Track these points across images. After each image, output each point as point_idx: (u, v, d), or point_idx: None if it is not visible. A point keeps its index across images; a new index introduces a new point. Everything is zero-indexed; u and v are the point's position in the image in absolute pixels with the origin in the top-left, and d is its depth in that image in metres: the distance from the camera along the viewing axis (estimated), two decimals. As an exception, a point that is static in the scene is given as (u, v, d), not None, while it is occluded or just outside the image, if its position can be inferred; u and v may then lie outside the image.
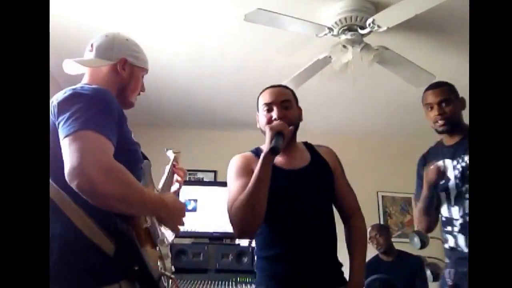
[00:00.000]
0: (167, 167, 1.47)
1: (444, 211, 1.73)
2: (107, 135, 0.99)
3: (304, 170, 1.50)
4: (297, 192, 1.46)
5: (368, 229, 3.35)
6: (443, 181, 1.71)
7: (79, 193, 0.92)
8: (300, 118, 1.56)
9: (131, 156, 1.15)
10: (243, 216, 1.33)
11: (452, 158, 1.72)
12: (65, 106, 1.01)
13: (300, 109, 1.58)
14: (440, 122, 1.73)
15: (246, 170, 1.44)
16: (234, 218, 1.36)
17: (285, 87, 1.60)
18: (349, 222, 1.55)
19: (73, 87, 1.09)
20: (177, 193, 1.48)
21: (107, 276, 0.98)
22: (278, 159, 1.46)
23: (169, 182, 1.45)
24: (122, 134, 1.11)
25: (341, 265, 1.50)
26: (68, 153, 0.93)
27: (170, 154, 1.57)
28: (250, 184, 1.33)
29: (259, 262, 1.53)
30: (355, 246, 1.51)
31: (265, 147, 1.36)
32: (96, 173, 0.90)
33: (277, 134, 1.35)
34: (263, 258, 1.49)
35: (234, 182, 1.45)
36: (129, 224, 1.02)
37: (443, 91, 1.76)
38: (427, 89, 1.82)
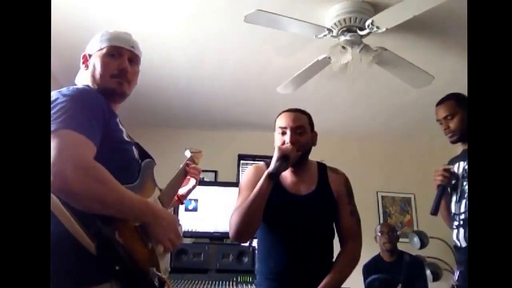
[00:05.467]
0: (181, 165, 1.47)
1: (452, 207, 1.81)
2: (87, 134, 0.98)
3: (308, 197, 1.63)
4: (298, 217, 1.59)
5: (379, 226, 3.45)
6: (454, 180, 1.81)
7: (54, 191, 0.91)
8: (313, 143, 1.69)
9: (120, 155, 1.13)
10: (238, 224, 1.50)
11: (464, 160, 1.81)
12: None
13: (315, 134, 1.70)
14: (449, 135, 1.85)
15: (253, 184, 1.57)
16: (230, 224, 1.54)
17: (303, 112, 1.69)
18: (343, 246, 1.63)
19: (60, 89, 1.09)
20: (190, 191, 1.49)
21: (96, 275, 0.97)
22: (287, 180, 1.66)
23: (176, 182, 1.41)
24: (109, 133, 1.10)
25: None
26: None
27: (187, 154, 1.58)
28: (249, 198, 1.51)
29: (258, 266, 1.68)
30: (337, 263, 1.58)
31: (270, 166, 1.54)
32: (70, 171, 0.90)
33: (282, 157, 1.52)
34: (262, 265, 1.66)
35: (241, 192, 1.64)
36: (112, 223, 0.99)
37: (446, 106, 1.85)
38: (436, 104, 1.90)
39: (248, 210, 1.49)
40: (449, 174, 1.78)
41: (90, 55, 1.26)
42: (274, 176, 1.52)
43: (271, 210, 1.55)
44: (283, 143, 1.60)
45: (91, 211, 0.96)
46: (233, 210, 1.57)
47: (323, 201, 1.63)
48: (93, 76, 1.22)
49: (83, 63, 1.27)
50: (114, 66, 1.22)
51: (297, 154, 1.56)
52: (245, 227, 1.50)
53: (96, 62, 1.23)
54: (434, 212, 1.78)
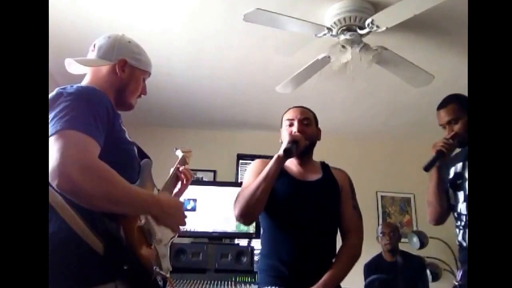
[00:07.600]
0: (172, 168, 1.47)
1: (458, 207, 1.78)
2: (91, 134, 0.99)
3: (313, 183, 1.67)
4: (304, 201, 1.61)
5: (380, 226, 3.44)
6: (460, 181, 1.76)
7: (61, 192, 0.92)
8: (317, 137, 1.75)
9: (123, 155, 1.14)
10: (243, 204, 1.53)
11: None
12: (51, 105, 1.02)
13: (319, 130, 1.77)
14: (455, 140, 1.76)
15: (260, 172, 1.59)
16: (237, 203, 1.57)
17: (308, 108, 1.78)
18: (344, 240, 1.65)
19: (63, 86, 1.09)
20: (178, 195, 1.46)
21: (101, 275, 0.98)
22: (293, 170, 1.70)
23: (171, 183, 1.42)
24: (113, 133, 1.10)
25: None
26: (50, 153, 0.92)
27: (179, 154, 1.57)
28: (258, 178, 1.55)
29: (262, 262, 1.66)
30: (339, 259, 1.58)
31: (281, 149, 1.57)
32: (75, 172, 0.90)
33: (293, 142, 1.58)
34: (264, 256, 1.64)
35: (247, 177, 1.67)
36: (119, 223, 1.00)
37: (449, 110, 1.78)
38: (437, 108, 1.83)
39: (255, 191, 1.52)
40: (452, 144, 1.73)
41: (131, 65, 1.27)
42: (287, 153, 1.55)
43: (280, 197, 1.59)
44: (291, 132, 1.66)
45: (101, 209, 0.97)
46: (239, 191, 1.60)
47: (329, 187, 1.67)
48: (123, 86, 1.26)
49: (121, 66, 1.25)
50: (141, 90, 1.34)
51: (305, 143, 1.62)
52: (249, 208, 1.53)
53: (133, 79, 1.29)
54: (426, 168, 1.74)
